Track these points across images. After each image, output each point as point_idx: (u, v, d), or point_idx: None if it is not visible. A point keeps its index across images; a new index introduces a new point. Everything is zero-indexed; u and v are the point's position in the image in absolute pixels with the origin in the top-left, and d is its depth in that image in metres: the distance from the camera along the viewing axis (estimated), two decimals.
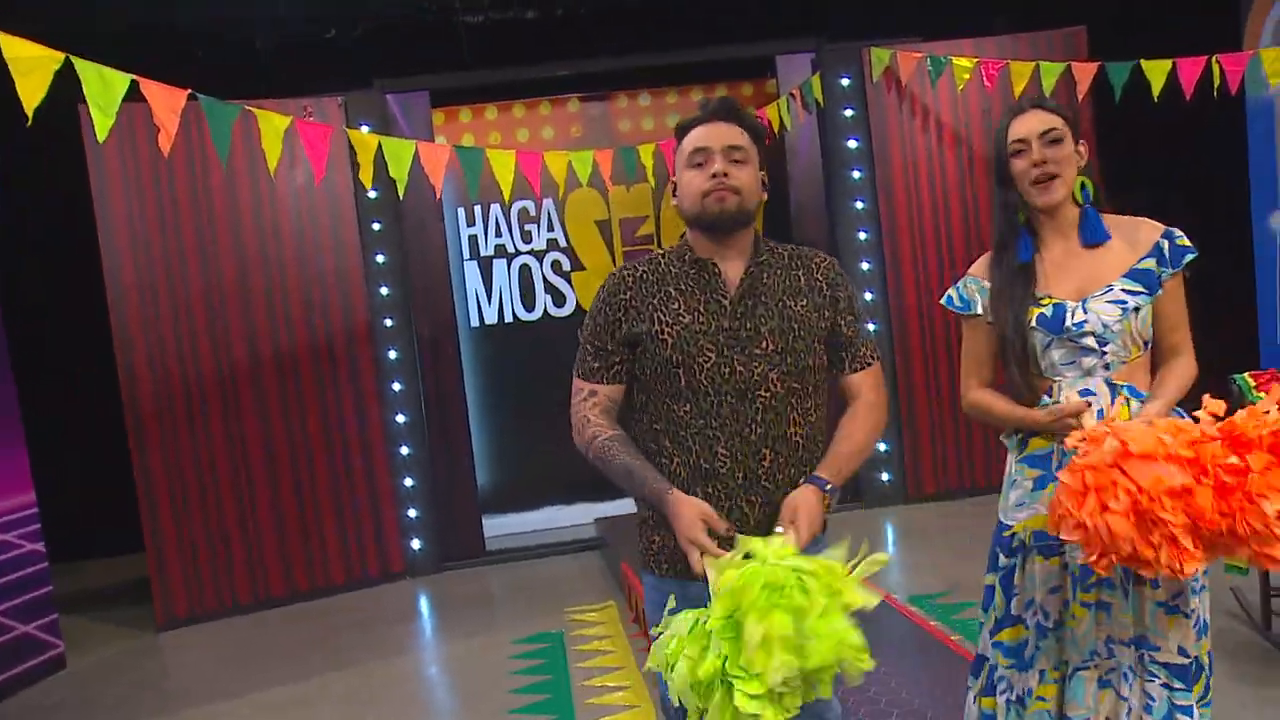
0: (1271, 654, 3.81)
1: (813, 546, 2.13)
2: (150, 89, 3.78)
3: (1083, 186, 2.39)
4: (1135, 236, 2.37)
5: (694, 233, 2.24)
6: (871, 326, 6.54)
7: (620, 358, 2.21)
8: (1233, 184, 6.49)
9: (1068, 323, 2.32)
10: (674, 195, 2.29)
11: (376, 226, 6.27)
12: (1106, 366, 2.32)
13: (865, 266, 6.64)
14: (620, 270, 2.26)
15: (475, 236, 7.15)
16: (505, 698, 4.26)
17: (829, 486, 2.11)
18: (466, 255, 7.15)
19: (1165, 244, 2.34)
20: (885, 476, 6.73)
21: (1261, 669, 3.69)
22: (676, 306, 2.17)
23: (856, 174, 6.63)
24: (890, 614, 4.69)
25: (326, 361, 6.13)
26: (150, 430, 5.76)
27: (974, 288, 2.49)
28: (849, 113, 6.60)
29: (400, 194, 5.43)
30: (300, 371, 6.07)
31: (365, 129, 5.97)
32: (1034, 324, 2.35)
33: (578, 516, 6.96)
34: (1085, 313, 2.32)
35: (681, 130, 2.25)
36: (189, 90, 3.92)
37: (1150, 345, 2.36)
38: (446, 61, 6.95)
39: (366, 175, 5.24)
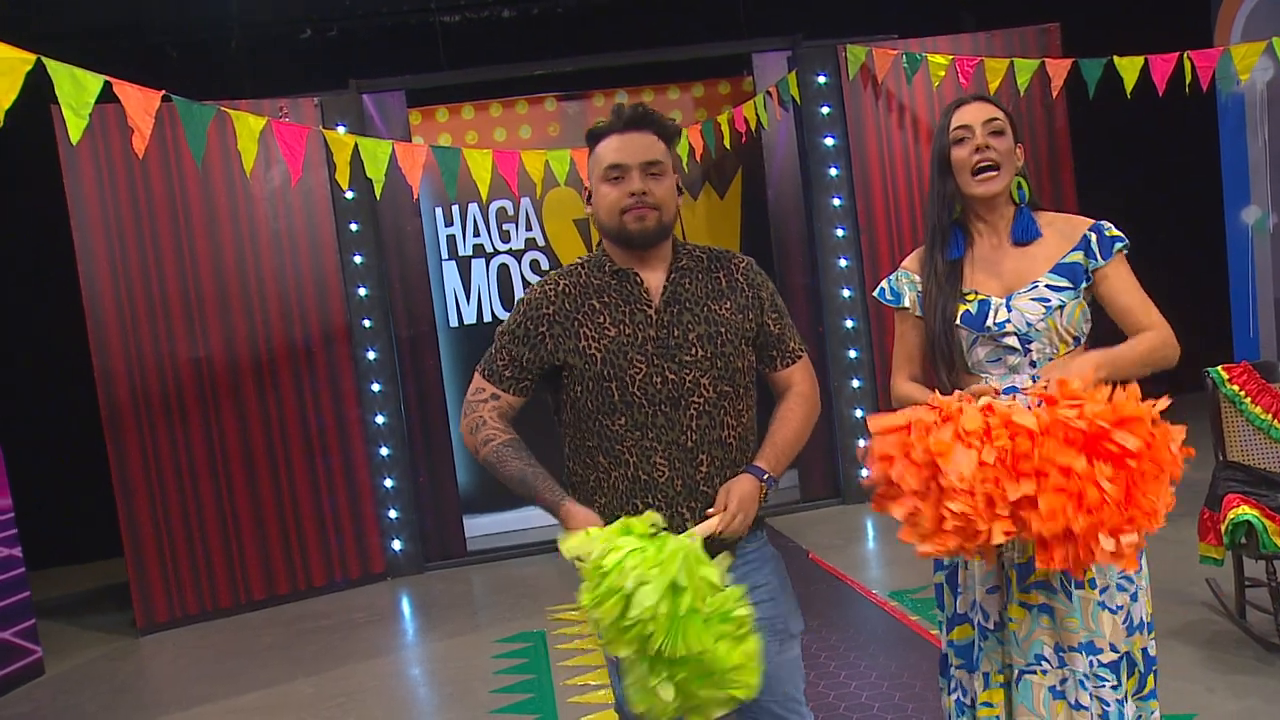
0: (1245, 642, 3.84)
1: (749, 542, 2.20)
2: (124, 90, 3.77)
3: (1019, 187, 2.37)
4: (1066, 231, 2.36)
5: (612, 244, 2.23)
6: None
7: (534, 375, 2.20)
8: (1205, 179, 6.58)
9: (989, 321, 2.31)
10: (588, 204, 2.26)
11: (354, 227, 6.24)
12: (1033, 364, 2.30)
13: (843, 263, 6.65)
14: (542, 284, 2.23)
15: (453, 236, 7.11)
16: (487, 698, 4.24)
17: (766, 476, 2.15)
18: (445, 255, 7.11)
19: (1093, 236, 2.32)
20: (865, 473, 6.61)
21: (1235, 656, 3.72)
22: (602, 320, 2.16)
23: (834, 171, 6.64)
24: (871, 609, 4.70)
25: (305, 363, 6.10)
26: (128, 433, 5.72)
27: (904, 281, 2.48)
28: (826, 110, 6.62)
29: (377, 195, 5.44)
30: (279, 373, 6.04)
31: (341, 130, 5.95)
32: (959, 321, 2.34)
33: None
34: (1009, 311, 2.30)
35: (593, 138, 2.21)
36: (164, 91, 3.91)
37: (1082, 341, 2.33)
38: (423, 61, 6.93)
39: (344, 176, 5.24)
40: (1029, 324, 2.28)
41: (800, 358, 2.31)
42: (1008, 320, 2.29)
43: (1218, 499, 3.81)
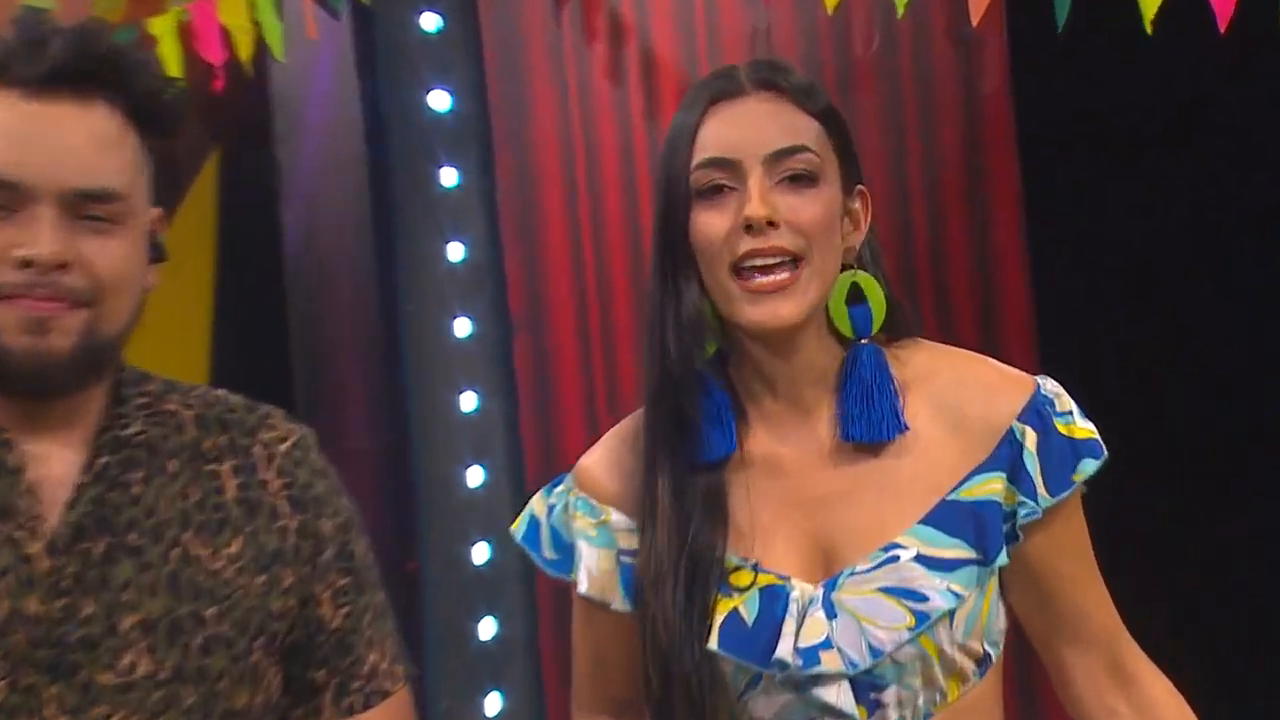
0: None
1: None
2: None
3: (853, 293, 2.20)
4: (968, 411, 2.22)
5: None
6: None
7: None
8: None
9: (782, 652, 2.13)
10: None
11: None
12: None
13: (468, 404, 5.87)
14: None
15: None
16: None
17: None
18: None
19: (1029, 434, 2.15)
20: None
21: None
22: None
23: (450, 175, 5.95)
24: None
25: None
26: None
27: (585, 520, 2.36)
28: (433, 25, 5.99)
29: None
30: None
31: None
32: (714, 644, 2.19)
33: None
34: (829, 621, 2.11)
35: None
36: None
37: (994, 660, 2.23)
38: None
39: None
40: (876, 655, 2.12)
41: (388, 695, 2.26)
42: (826, 642, 2.13)
43: None
